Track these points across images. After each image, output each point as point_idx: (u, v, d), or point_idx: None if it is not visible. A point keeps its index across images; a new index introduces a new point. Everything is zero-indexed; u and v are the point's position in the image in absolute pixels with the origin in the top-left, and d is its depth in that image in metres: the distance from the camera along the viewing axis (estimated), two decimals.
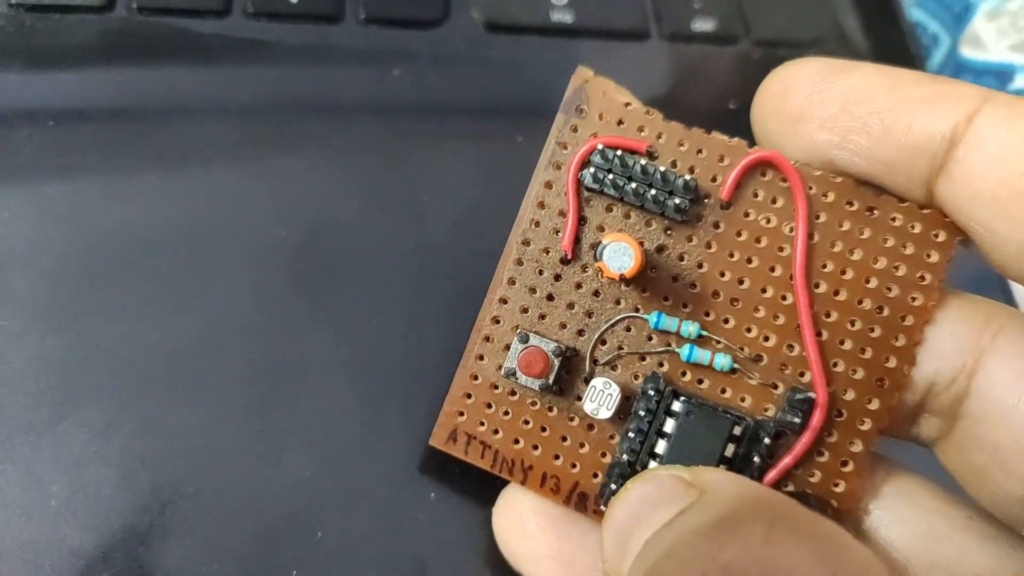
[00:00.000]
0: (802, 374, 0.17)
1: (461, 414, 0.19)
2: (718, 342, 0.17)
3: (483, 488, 0.20)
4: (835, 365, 0.17)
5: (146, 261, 0.21)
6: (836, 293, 0.17)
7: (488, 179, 0.24)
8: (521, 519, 0.18)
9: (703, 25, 0.28)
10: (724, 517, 0.13)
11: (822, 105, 0.16)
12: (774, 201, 0.17)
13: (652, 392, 0.17)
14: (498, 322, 0.18)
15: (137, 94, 0.23)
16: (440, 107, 0.25)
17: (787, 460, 0.17)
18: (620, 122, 0.18)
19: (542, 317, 0.18)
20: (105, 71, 0.24)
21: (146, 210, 0.22)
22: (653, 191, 0.17)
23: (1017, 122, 0.14)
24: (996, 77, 0.34)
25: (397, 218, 0.23)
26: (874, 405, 0.17)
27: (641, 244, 0.17)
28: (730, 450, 0.17)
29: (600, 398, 0.17)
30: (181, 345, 0.20)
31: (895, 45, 0.31)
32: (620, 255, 0.16)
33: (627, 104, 0.18)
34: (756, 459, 0.17)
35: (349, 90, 0.25)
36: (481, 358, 0.18)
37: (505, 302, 0.18)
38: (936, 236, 0.17)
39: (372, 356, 0.21)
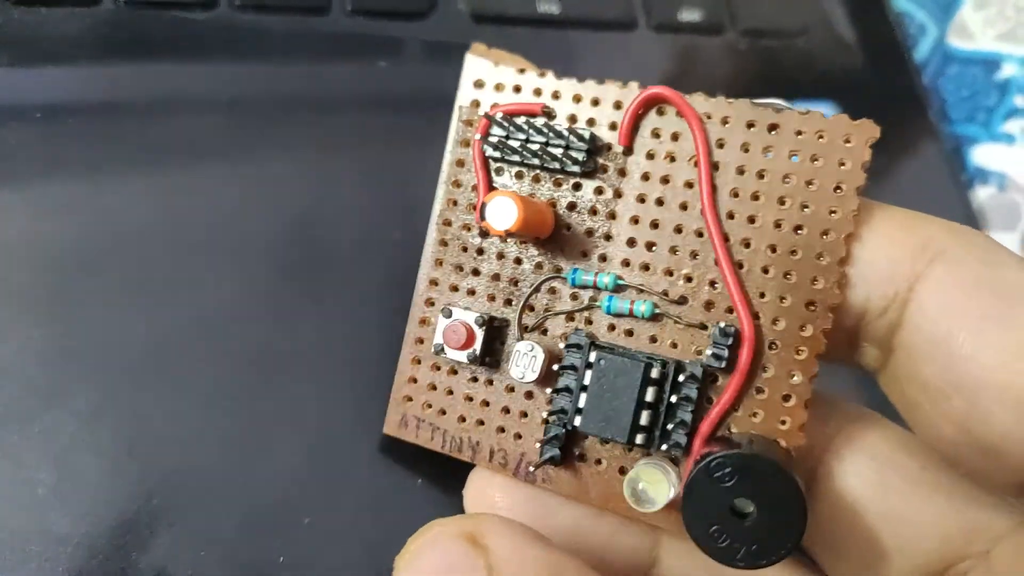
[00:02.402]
0: (730, 310, 0.16)
1: (409, 399, 0.19)
2: (639, 290, 0.17)
3: (469, 471, 0.20)
4: (762, 296, 0.16)
5: (134, 252, 0.21)
6: (751, 220, 0.16)
7: None
8: (489, 500, 0.18)
9: (690, 15, 0.29)
10: None
11: None
12: (675, 138, 0.17)
13: (573, 348, 0.17)
14: (432, 304, 0.19)
15: (125, 87, 0.23)
16: (427, 98, 0.25)
17: (724, 399, 0.16)
18: (517, 89, 0.18)
19: (471, 292, 0.19)
20: (93, 64, 0.24)
21: (134, 202, 0.22)
22: (551, 148, 0.17)
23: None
24: (983, 67, 0.34)
25: (385, 209, 0.23)
26: (808, 331, 0.16)
27: (531, 198, 0.18)
28: (650, 394, 0.16)
29: (525, 361, 0.17)
30: (169, 335, 0.21)
31: (881, 35, 0.31)
32: (500, 211, 0.16)
33: (521, 70, 0.18)
34: (689, 399, 0.16)
35: (336, 81, 0.25)
36: (420, 341, 0.19)
37: (436, 283, 0.19)
38: (847, 142, 0.16)
39: (359, 345, 0.21)
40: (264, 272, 0.22)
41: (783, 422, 0.16)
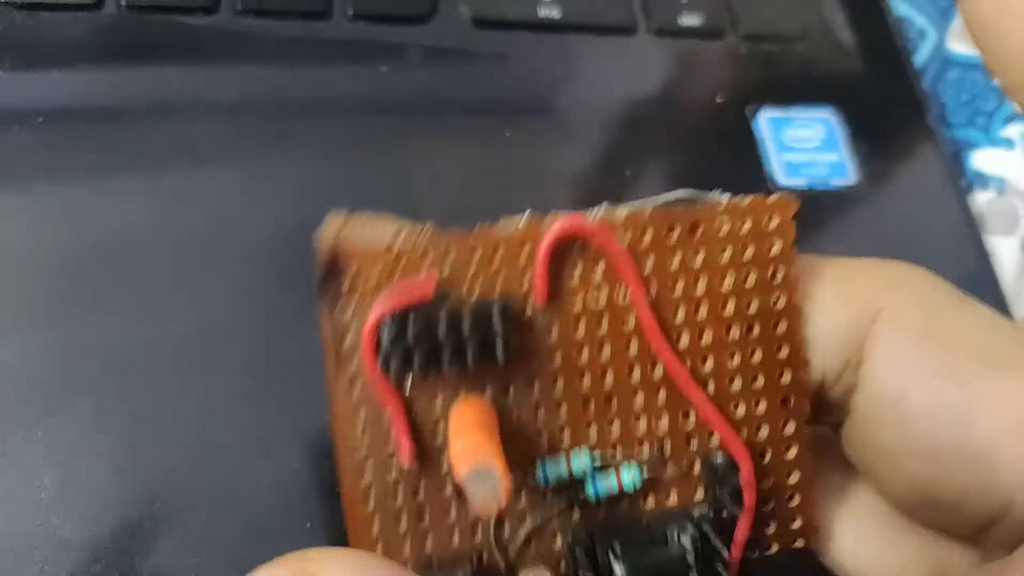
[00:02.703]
0: (710, 436, 0.15)
1: None
2: (614, 456, 0.15)
3: None
4: (736, 407, 0.15)
5: (136, 257, 0.21)
6: (700, 337, 0.15)
7: (476, 173, 0.24)
8: None
9: (690, 20, 0.29)
10: None
11: None
12: (595, 267, 0.15)
13: (580, 557, 0.15)
14: None
15: (127, 91, 0.24)
16: (428, 102, 0.25)
17: (741, 528, 0.15)
18: (396, 264, 0.14)
19: (424, 540, 0.15)
20: (95, 68, 0.24)
21: (136, 206, 0.22)
22: (468, 331, 0.14)
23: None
24: (983, 71, 0.34)
25: (386, 212, 0.23)
26: (790, 429, 0.15)
27: (469, 411, 0.14)
28: (691, 558, 0.15)
29: None
30: (172, 340, 0.21)
31: (881, 39, 0.31)
32: (482, 482, 0.13)
33: (390, 247, 0.14)
34: (718, 546, 0.15)
35: (338, 86, 0.25)
36: None
37: (378, 542, 0.15)
38: (768, 224, 0.15)
39: None
40: (265, 277, 0.22)
41: (793, 522, 0.15)
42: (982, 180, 0.32)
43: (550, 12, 0.27)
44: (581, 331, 0.15)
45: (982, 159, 0.33)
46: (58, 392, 0.20)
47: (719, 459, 0.15)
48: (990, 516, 0.14)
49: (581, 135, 0.26)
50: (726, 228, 0.15)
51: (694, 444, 0.15)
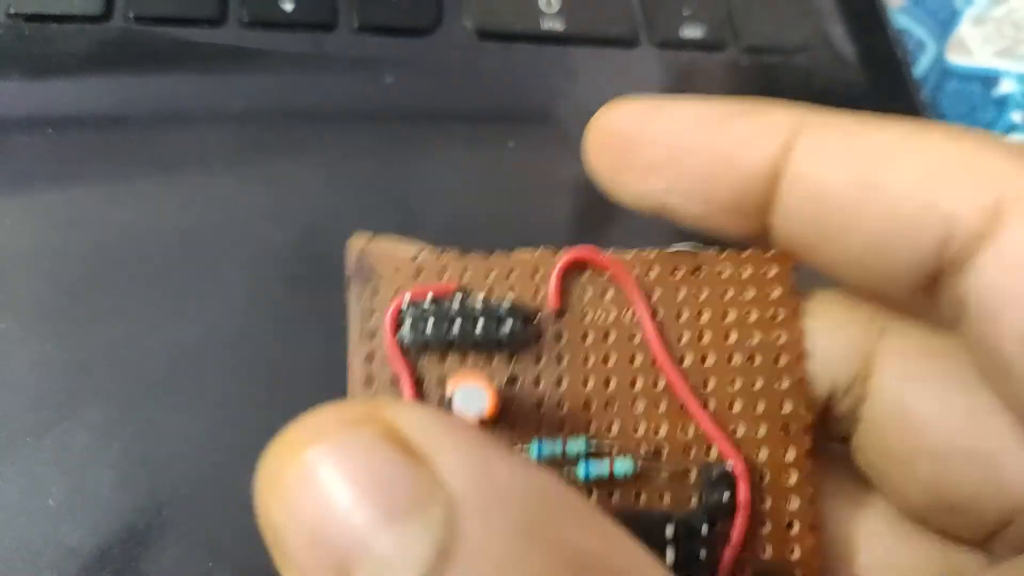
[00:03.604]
0: (708, 451, 0.16)
1: None
2: (609, 449, 0.16)
3: None
4: (735, 431, 0.16)
5: (145, 266, 0.22)
6: (703, 360, 0.16)
7: (479, 183, 0.24)
8: None
9: (692, 32, 0.29)
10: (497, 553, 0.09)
11: (644, 150, 0.15)
12: (603, 294, 0.16)
13: None
14: None
15: (134, 102, 0.24)
16: (433, 113, 0.26)
17: (733, 541, 0.15)
18: (418, 273, 0.16)
19: None
20: (103, 79, 0.24)
21: (144, 215, 0.22)
22: (480, 325, 0.16)
23: (833, 152, 0.14)
24: (982, 82, 0.34)
25: (391, 221, 0.23)
26: (791, 456, 0.16)
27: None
28: (670, 556, 0.15)
29: None
30: (180, 348, 0.21)
31: (881, 51, 0.32)
32: (472, 399, 0.14)
33: (414, 258, 0.16)
34: (703, 554, 0.15)
35: (343, 97, 0.25)
36: None
37: None
38: (767, 273, 0.16)
39: None
40: (273, 285, 0.22)
41: (792, 551, 0.16)
42: None
43: (553, 24, 0.28)
44: (589, 339, 0.16)
45: None
46: (66, 401, 0.20)
47: (716, 470, 0.15)
48: (999, 520, 0.14)
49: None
50: (728, 272, 0.16)
51: (692, 453, 0.16)
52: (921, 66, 0.35)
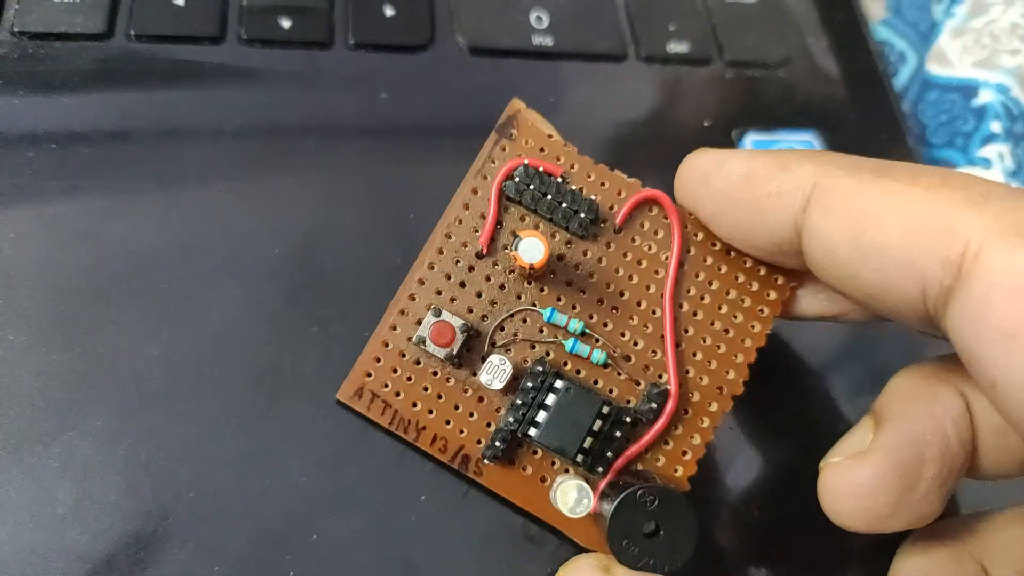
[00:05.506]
0: (660, 376, 0.21)
1: (369, 375, 0.21)
2: (597, 340, 0.21)
3: (471, 490, 0.21)
4: (687, 372, 0.21)
5: (147, 277, 0.22)
6: (695, 314, 0.21)
7: None
8: None
9: (678, 47, 0.30)
10: None
11: (706, 201, 0.20)
12: (656, 233, 0.21)
13: (539, 371, 0.20)
14: (414, 299, 0.21)
15: (136, 118, 0.24)
16: (427, 128, 0.26)
17: (644, 439, 0.20)
18: (542, 149, 0.21)
19: (452, 300, 0.21)
20: (105, 96, 0.25)
21: (146, 228, 0.23)
22: (564, 206, 0.20)
23: (835, 215, 0.17)
24: (961, 93, 0.35)
25: (386, 235, 0.24)
26: (713, 407, 0.21)
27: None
28: (597, 425, 0.19)
29: (495, 372, 0.20)
30: (182, 357, 0.21)
31: (863, 63, 0.32)
32: (532, 249, 0.19)
33: (550, 136, 0.21)
34: (618, 435, 0.20)
35: (339, 113, 0.26)
36: (394, 328, 0.21)
37: (423, 283, 0.21)
38: (776, 279, 0.21)
39: None
40: (271, 295, 0.23)
41: (676, 470, 0.21)
42: None
43: (543, 40, 0.28)
44: (628, 257, 0.21)
45: None
46: (73, 409, 0.20)
47: (659, 388, 0.20)
48: None
49: None
50: (749, 264, 0.21)
51: (649, 372, 0.21)
52: (902, 77, 0.35)
